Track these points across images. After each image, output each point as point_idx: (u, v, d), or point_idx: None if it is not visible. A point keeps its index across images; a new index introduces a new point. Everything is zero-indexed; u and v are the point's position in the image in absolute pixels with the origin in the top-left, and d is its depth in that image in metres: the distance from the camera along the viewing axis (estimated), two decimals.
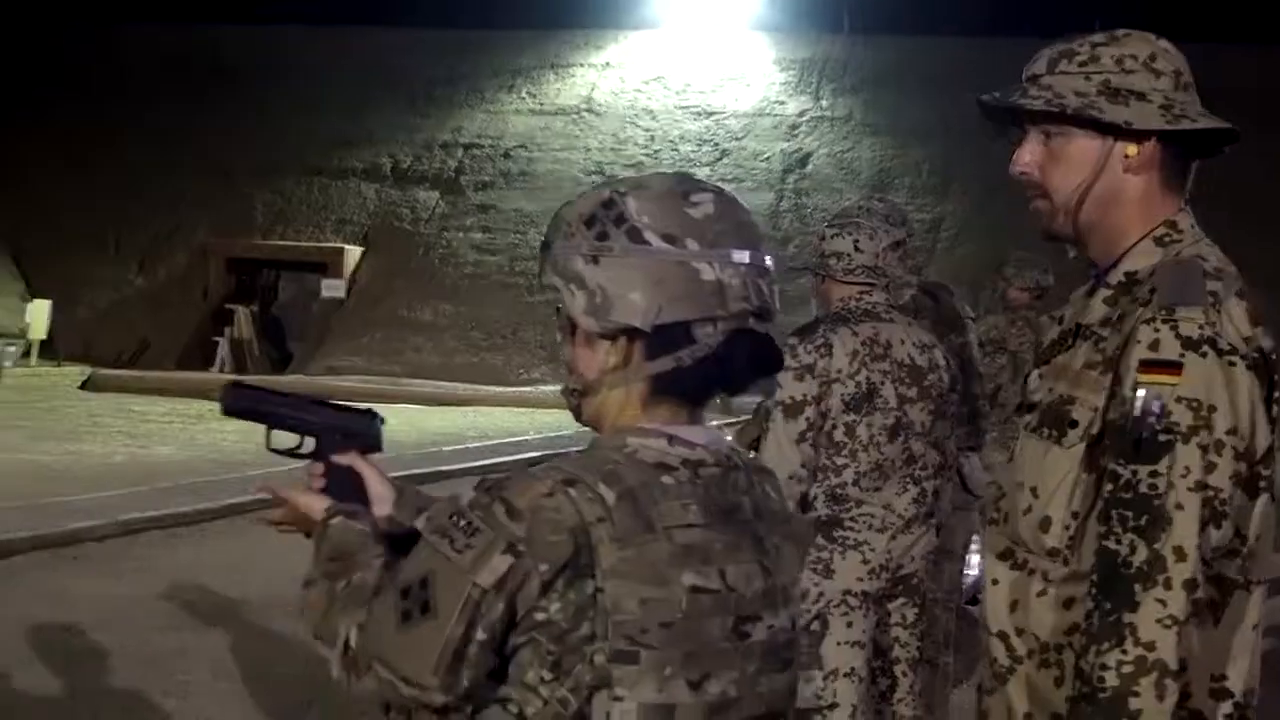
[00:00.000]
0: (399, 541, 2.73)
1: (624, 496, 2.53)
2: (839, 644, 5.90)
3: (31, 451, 19.90)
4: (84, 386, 31.70)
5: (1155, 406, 2.92)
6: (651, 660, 2.51)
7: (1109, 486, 2.97)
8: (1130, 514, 2.92)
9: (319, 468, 3.08)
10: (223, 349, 35.99)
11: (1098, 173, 3.17)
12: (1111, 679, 2.87)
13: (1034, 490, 3.15)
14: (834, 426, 5.88)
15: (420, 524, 2.65)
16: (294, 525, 3.07)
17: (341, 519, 2.87)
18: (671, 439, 2.63)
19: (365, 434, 3.11)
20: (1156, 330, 2.96)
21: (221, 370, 35.00)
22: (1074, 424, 3.09)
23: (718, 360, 2.62)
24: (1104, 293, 3.17)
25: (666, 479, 2.59)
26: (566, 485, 2.51)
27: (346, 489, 3.01)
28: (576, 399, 2.75)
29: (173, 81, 41.93)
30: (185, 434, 23.17)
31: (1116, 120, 3.12)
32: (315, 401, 3.14)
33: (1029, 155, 3.24)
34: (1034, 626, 3.16)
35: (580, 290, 2.63)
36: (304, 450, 3.12)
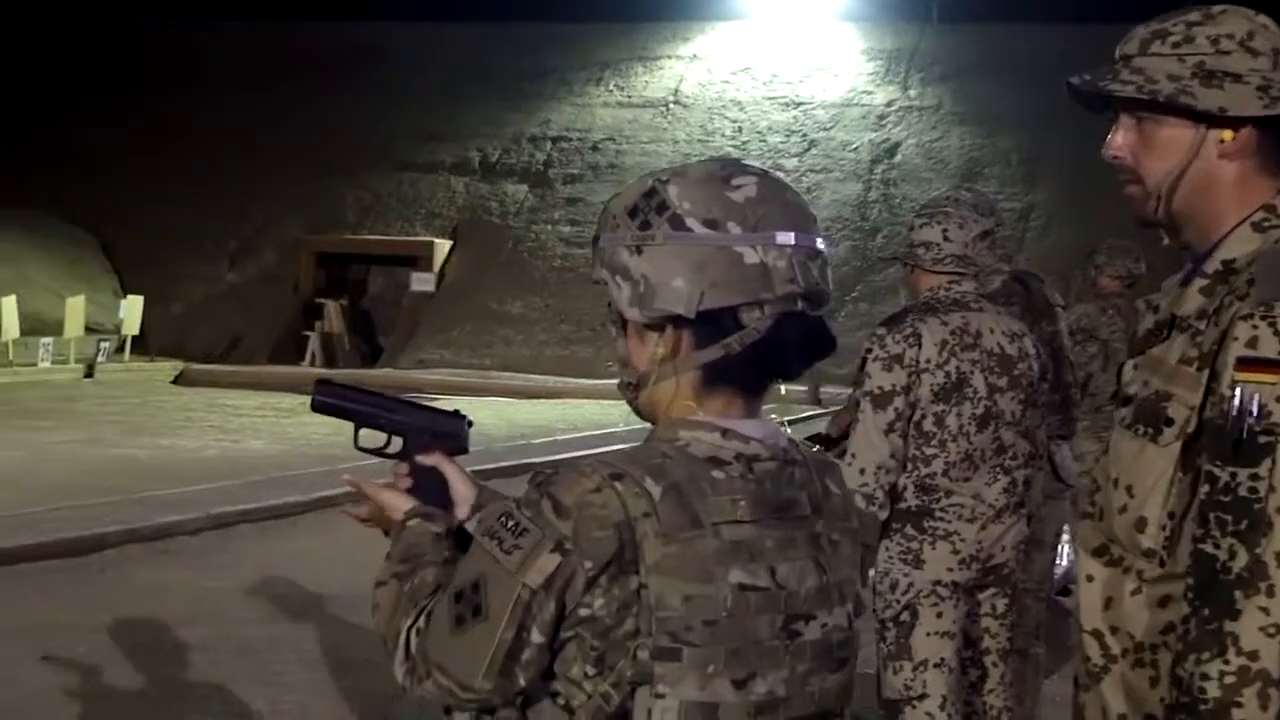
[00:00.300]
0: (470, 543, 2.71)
1: (670, 491, 2.50)
2: (929, 634, 5.86)
3: (125, 446, 20.07)
4: (176, 381, 32.00)
5: (1254, 406, 2.80)
6: (694, 658, 2.48)
7: (1206, 489, 2.84)
8: (1229, 518, 2.80)
9: (404, 467, 3.06)
10: (313, 343, 36.19)
11: (1191, 159, 3.04)
12: (1213, 690, 2.76)
13: (1129, 489, 3.05)
14: (923, 416, 5.83)
15: (471, 526, 2.65)
16: (375, 523, 3.04)
17: (419, 521, 2.86)
18: (726, 432, 2.59)
19: (453, 435, 3.08)
20: (1255, 327, 2.83)
21: (312, 364, 35.21)
22: (1170, 422, 2.97)
23: (768, 345, 2.56)
24: (1200, 282, 3.03)
25: (717, 473, 2.55)
26: (614, 480, 2.49)
27: (430, 490, 2.99)
28: (631, 392, 2.73)
29: (263, 78, 42.23)
30: (276, 428, 23.30)
31: (1210, 107, 2.99)
32: (404, 401, 3.13)
33: (1121, 140, 3.13)
34: (1128, 625, 3.07)
35: (625, 281, 2.60)
36: (391, 450, 3.10)
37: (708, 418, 2.61)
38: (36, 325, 32.59)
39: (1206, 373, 2.91)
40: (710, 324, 2.56)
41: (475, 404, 27.00)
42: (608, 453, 2.63)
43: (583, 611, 2.48)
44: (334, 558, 12.34)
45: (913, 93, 38.94)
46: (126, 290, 36.59)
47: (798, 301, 2.57)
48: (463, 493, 3.02)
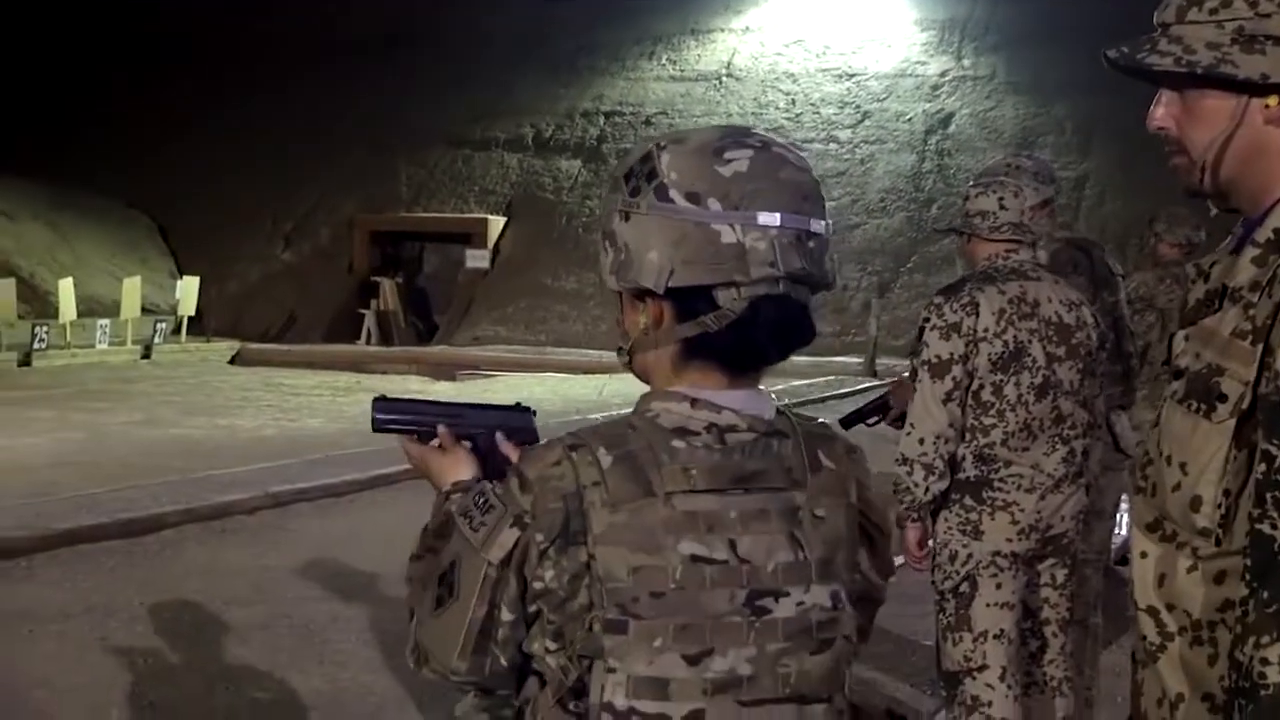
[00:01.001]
0: None
1: (622, 460, 2.48)
2: (988, 605, 5.84)
3: (182, 426, 20.17)
4: (233, 361, 32.19)
5: None
6: (641, 630, 2.45)
7: (1262, 467, 2.76)
8: None
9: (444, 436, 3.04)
10: (369, 321, 36.34)
11: (1235, 127, 2.95)
12: (1274, 674, 2.68)
13: (1183, 466, 2.96)
14: (981, 386, 5.81)
15: (451, 506, 2.66)
16: (423, 474, 3.03)
17: (461, 495, 2.80)
18: (695, 402, 2.56)
19: (522, 429, 3.08)
20: None
21: (368, 342, 35.37)
22: (1223, 398, 2.88)
23: (743, 327, 2.51)
24: (1252, 251, 2.94)
25: (678, 443, 2.52)
26: (571, 450, 2.49)
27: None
28: (624, 357, 2.70)
29: (319, 57, 42.32)
30: (333, 406, 23.38)
31: (1252, 75, 2.88)
32: (466, 404, 3.11)
33: (1163, 111, 3.04)
34: (1185, 603, 3.00)
35: (611, 247, 2.58)
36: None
37: (680, 388, 2.58)
38: (93, 307, 32.78)
39: (1261, 347, 2.84)
40: (688, 300, 2.52)
41: (530, 380, 27.10)
42: (583, 426, 2.60)
43: (536, 585, 2.48)
44: (391, 536, 12.34)
45: (966, 62, 38.76)
46: (182, 271, 36.77)
47: (778, 284, 2.50)
48: None
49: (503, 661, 2.53)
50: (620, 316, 2.69)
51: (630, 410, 2.64)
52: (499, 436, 3.04)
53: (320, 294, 37.77)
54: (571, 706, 2.51)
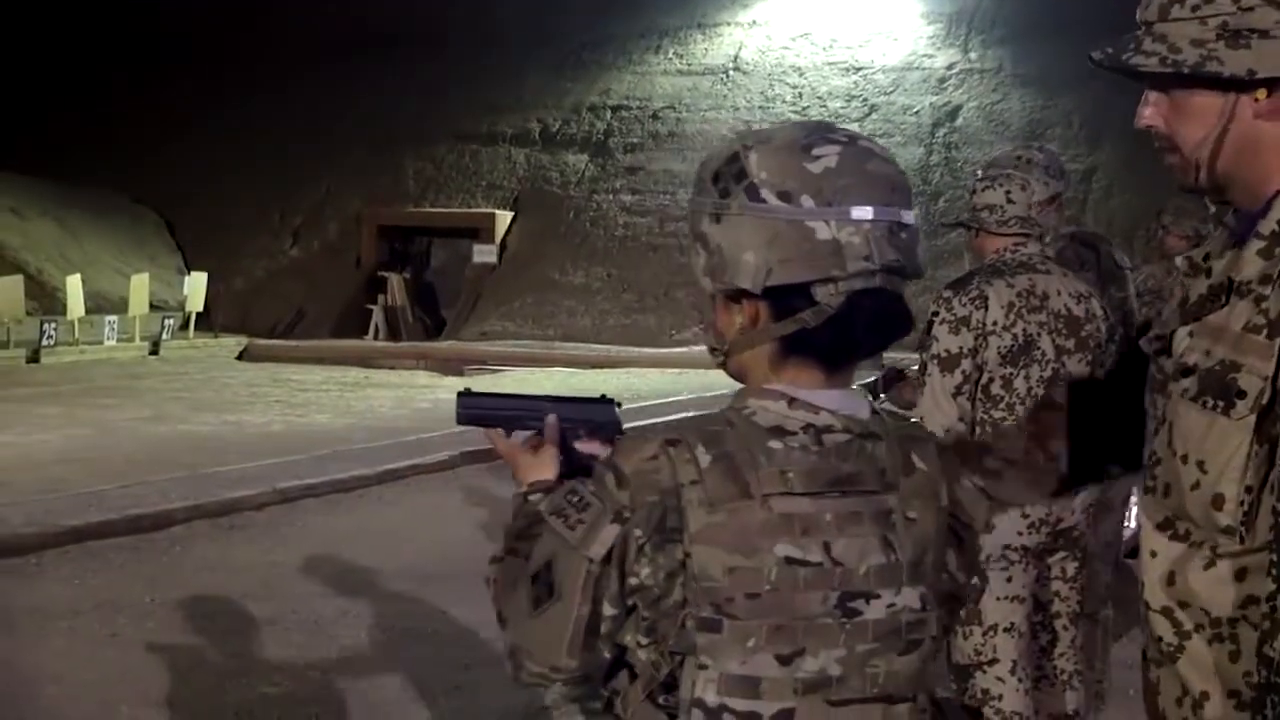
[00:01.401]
0: None
1: (720, 459, 2.48)
2: (998, 599, 5.83)
3: (190, 422, 20.18)
4: (241, 357, 32.18)
5: None
6: (735, 631, 2.46)
7: None
8: None
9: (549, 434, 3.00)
10: (377, 316, 36.34)
11: (1226, 124, 2.93)
12: None
13: (1201, 465, 2.93)
14: (990, 380, 5.80)
15: (542, 506, 2.64)
16: (509, 462, 3.00)
17: (541, 496, 2.80)
18: (793, 401, 2.56)
19: (607, 423, 3.03)
20: None
21: (375, 337, 35.36)
22: (1242, 394, 2.85)
23: (841, 322, 2.52)
24: (1257, 244, 2.92)
25: (775, 443, 2.52)
26: (669, 446, 2.49)
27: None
28: (719, 358, 2.69)
29: (324, 51, 42.33)
30: (341, 402, 23.39)
31: (1239, 73, 2.85)
32: (550, 397, 3.08)
33: (1151, 109, 3.03)
34: (1203, 601, 2.98)
35: (703, 249, 2.58)
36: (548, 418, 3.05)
37: (778, 386, 2.58)
38: (101, 303, 32.78)
39: (1278, 340, 2.82)
40: (784, 298, 2.52)
41: (539, 375, 27.10)
42: (682, 419, 2.61)
43: (632, 580, 2.49)
44: (400, 531, 12.39)
45: (973, 55, 38.72)
46: (190, 267, 36.79)
47: (874, 278, 2.51)
48: None
49: (606, 655, 2.55)
50: (712, 318, 2.69)
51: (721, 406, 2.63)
52: (595, 445, 2.99)
53: (328, 289, 37.77)
54: (661, 700, 2.53)
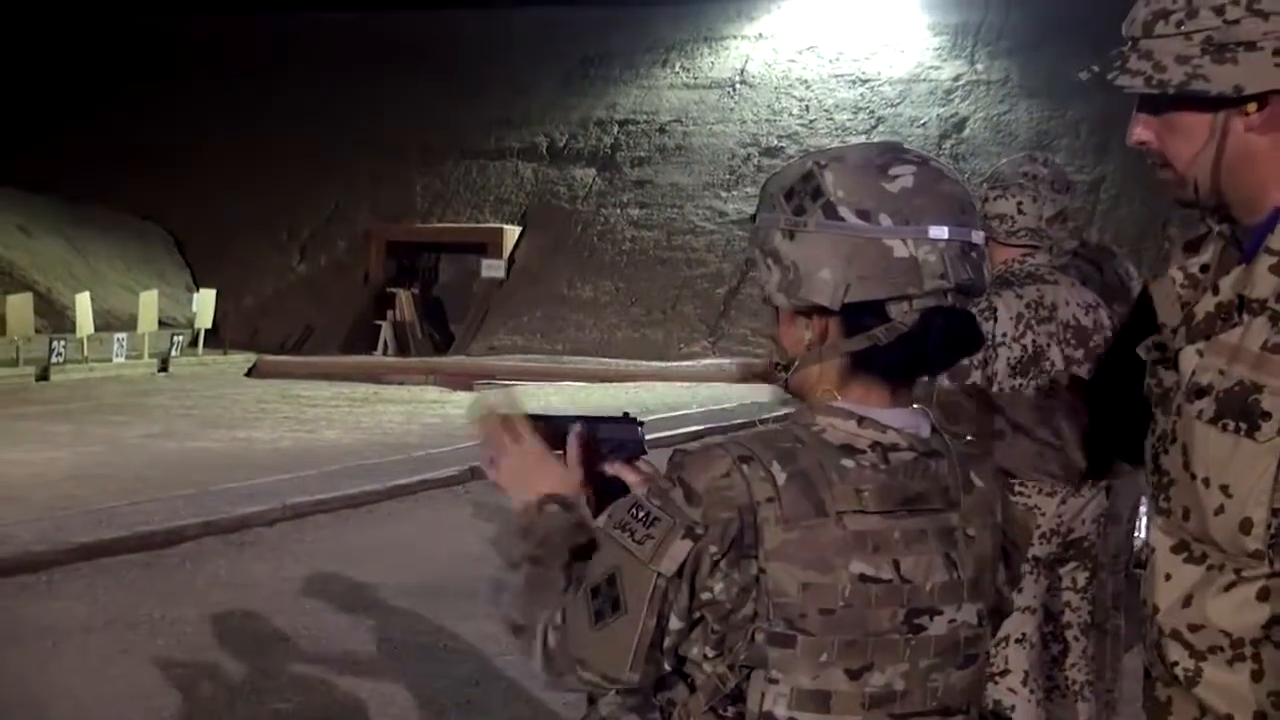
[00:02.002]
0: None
1: (795, 477, 2.48)
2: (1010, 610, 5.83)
3: (200, 439, 20.18)
4: (250, 374, 32.12)
5: None
6: (808, 646, 2.47)
7: None
8: None
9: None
10: (385, 332, 36.34)
11: (1220, 141, 2.91)
12: None
13: (1225, 489, 2.90)
14: (1000, 391, 5.80)
15: (602, 520, 2.64)
16: (504, 483, 2.94)
17: (558, 508, 2.81)
18: (862, 420, 2.57)
19: (629, 441, 3.05)
20: None
21: (384, 353, 35.36)
22: (1267, 415, 2.83)
23: (913, 340, 2.54)
24: (1268, 259, 2.89)
25: (847, 461, 2.53)
26: (742, 463, 2.48)
27: (614, 497, 2.95)
28: (781, 373, 2.71)
29: (331, 68, 42.41)
30: (350, 417, 23.38)
31: (1225, 89, 2.83)
32: (575, 417, 3.08)
33: (1141, 127, 3.02)
34: (1222, 622, 2.96)
35: (776, 266, 2.59)
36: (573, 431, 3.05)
37: (846, 404, 2.59)
38: (110, 321, 32.81)
39: None
40: (857, 314, 2.54)
41: (547, 389, 27.07)
42: (742, 434, 2.61)
43: (704, 595, 2.49)
44: (411, 546, 12.39)
45: (980, 66, 38.72)
46: (199, 284, 36.78)
47: (947, 296, 2.54)
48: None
49: (667, 666, 2.54)
50: (776, 333, 2.71)
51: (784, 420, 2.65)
52: (618, 466, 2.98)
53: (336, 305, 37.79)
54: (723, 711, 2.54)
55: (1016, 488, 5.83)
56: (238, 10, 45.40)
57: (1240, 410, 2.87)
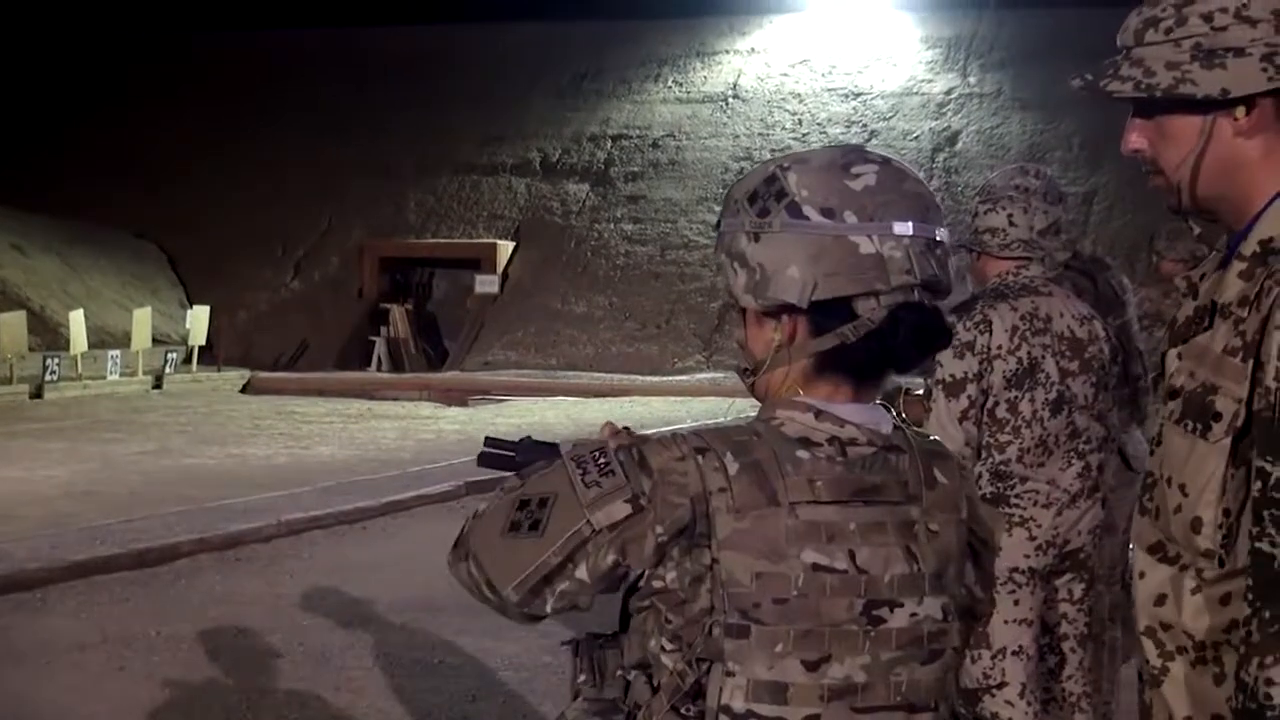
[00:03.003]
0: None
1: (748, 468, 2.50)
2: (1006, 622, 5.83)
3: (195, 456, 20.18)
4: (244, 390, 32.18)
5: None
6: (763, 636, 2.48)
7: (1258, 485, 2.75)
8: None
9: None
10: (379, 348, 36.39)
11: (1206, 144, 2.93)
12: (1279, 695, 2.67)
13: (1182, 488, 2.95)
14: (996, 403, 5.80)
15: (565, 449, 2.67)
16: None
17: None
18: (820, 413, 2.58)
19: None
20: None
21: (378, 369, 35.39)
22: (1218, 416, 2.86)
23: (882, 336, 2.55)
24: (1238, 265, 2.91)
25: (802, 453, 2.55)
26: (697, 453, 2.51)
27: None
28: (749, 378, 2.72)
29: (324, 84, 42.47)
30: (345, 433, 23.38)
31: (1211, 92, 2.85)
32: (542, 444, 3.12)
33: (1136, 134, 3.03)
34: (1188, 624, 2.99)
35: (742, 268, 2.60)
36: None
37: (805, 399, 2.61)
38: (104, 338, 32.80)
39: (1251, 363, 2.82)
40: (825, 313, 2.56)
41: (542, 404, 27.10)
42: (704, 427, 2.63)
43: (656, 583, 2.52)
44: (406, 562, 12.38)
45: (972, 79, 38.81)
46: (193, 301, 36.79)
47: (914, 292, 2.55)
48: None
49: (548, 609, 2.56)
50: (743, 338, 2.72)
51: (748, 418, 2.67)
52: None
53: (330, 321, 37.80)
54: (685, 710, 2.55)
55: (1012, 499, 5.83)
56: (232, 27, 45.47)
57: (1198, 411, 2.91)
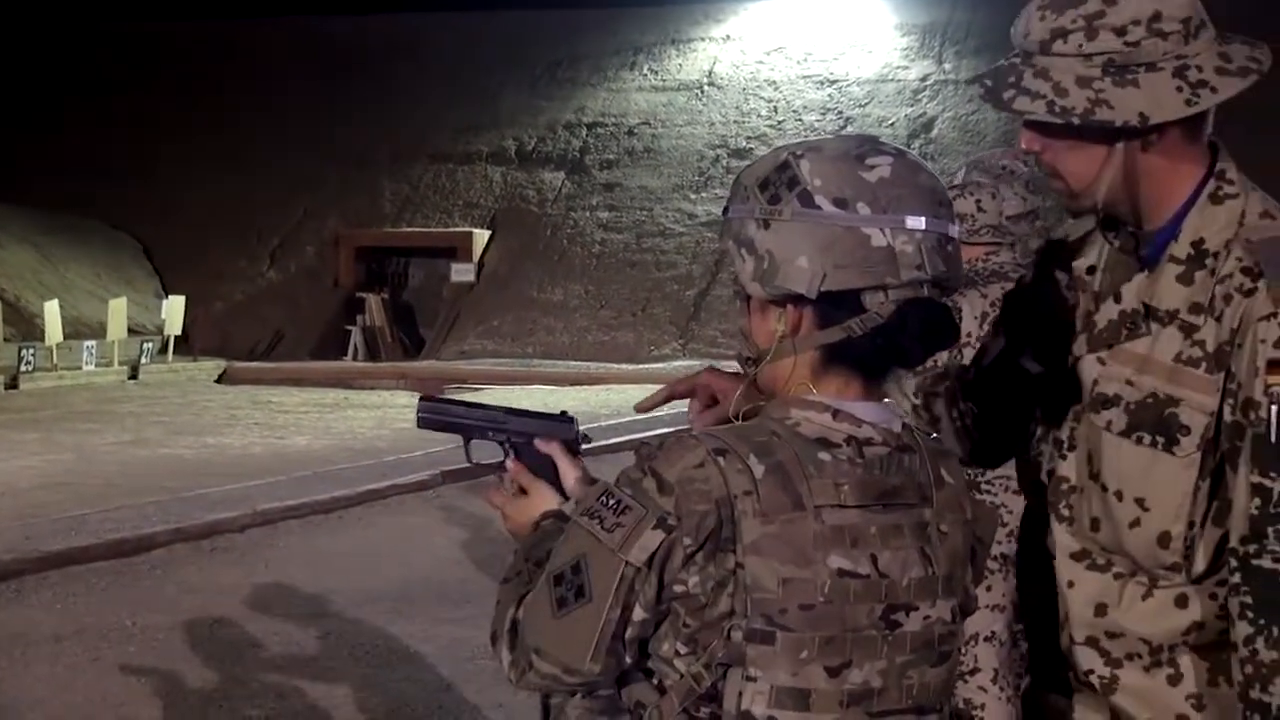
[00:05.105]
0: None
1: (773, 470, 2.44)
2: (979, 608, 5.84)
3: (170, 446, 20.15)
4: (220, 380, 32.14)
5: None
6: (788, 642, 2.43)
7: (1257, 501, 2.72)
8: None
9: (520, 472, 2.96)
10: (355, 337, 36.37)
11: (1120, 164, 2.90)
12: None
13: (1140, 502, 2.91)
14: None
15: (569, 507, 2.63)
16: (508, 516, 2.93)
17: (553, 521, 2.79)
18: (837, 413, 2.53)
19: (566, 440, 3.00)
20: None
21: (355, 358, 35.37)
22: (1185, 430, 2.84)
23: (889, 331, 2.50)
24: (1173, 268, 2.89)
25: (824, 455, 2.49)
26: (718, 455, 2.44)
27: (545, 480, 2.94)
28: (750, 367, 2.67)
29: (299, 74, 42.39)
30: (321, 423, 23.35)
31: (1129, 118, 2.80)
32: (511, 410, 3.07)
33: (1040, 143, 2.97)
34: (1142, 630, 2.97)
35: (750, 255, 2.54)
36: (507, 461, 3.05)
37: (821, 398, 2.55)
38: (79, 329, 32.76)
39: (1223, 374, 2.80)
40: (832, 305, 2.50)
41: (518, 392, 27.06)
42: (716, 427, 2.59)
43: (678, 588, 2.45)
44: (381, 551, 12.38)
45: (947, 66, 38.86)
46: (168, 291, 36.73)
47: (924, 288, 2.50)
48: (573, 486, 2.91)
49: (628, 660, 2.49)
50: (746, 326, 2.66)
51: (760, 415, 2.61)
52: (553, 447, 2.95)
53: (306, 311, 37.78)
54: (696, 712, 2.50)
55: (983, 485, 5.83)
56: (206, 17, 45.38)
57: (1156, 424, 2.88)
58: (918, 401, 3.59)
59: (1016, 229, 6.08)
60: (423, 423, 3.13)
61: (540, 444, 2.96)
